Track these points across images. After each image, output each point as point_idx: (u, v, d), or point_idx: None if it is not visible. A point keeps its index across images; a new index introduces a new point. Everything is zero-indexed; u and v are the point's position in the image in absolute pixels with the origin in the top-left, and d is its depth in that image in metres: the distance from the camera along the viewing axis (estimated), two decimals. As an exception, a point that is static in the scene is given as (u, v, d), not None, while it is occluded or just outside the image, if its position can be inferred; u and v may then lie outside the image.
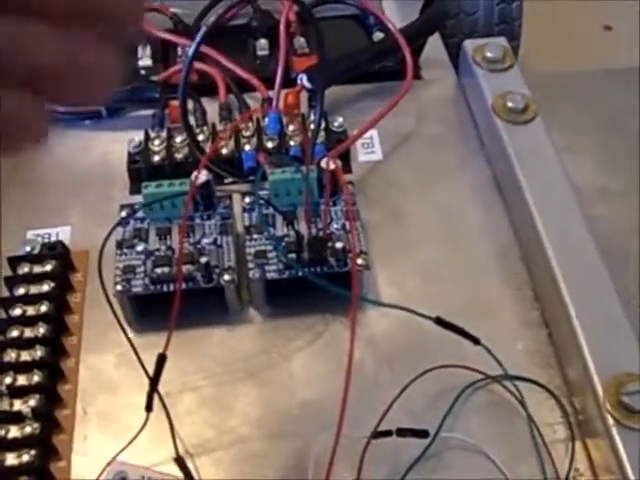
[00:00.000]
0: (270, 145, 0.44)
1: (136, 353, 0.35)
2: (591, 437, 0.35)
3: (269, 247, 0.39)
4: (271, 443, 0.36)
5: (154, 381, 0.34)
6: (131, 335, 0.38)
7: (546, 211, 0.41)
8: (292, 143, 0.45)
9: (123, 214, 0.41)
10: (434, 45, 0.55)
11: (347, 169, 0.45)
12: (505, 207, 0.45)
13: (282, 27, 0.50)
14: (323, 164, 0.40)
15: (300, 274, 0.38)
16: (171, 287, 0.38)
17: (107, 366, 0.39)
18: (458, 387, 0.37)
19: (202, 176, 0.39)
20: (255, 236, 0.40)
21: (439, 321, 0.35)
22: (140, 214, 0.41)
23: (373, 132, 0.48)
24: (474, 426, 0.36)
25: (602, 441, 0.34)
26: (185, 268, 0.38)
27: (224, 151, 0.44)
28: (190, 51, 0.41)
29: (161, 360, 0.33)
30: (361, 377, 0.37)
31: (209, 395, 0.38)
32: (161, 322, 0.35)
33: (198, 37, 0.40)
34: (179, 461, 0.33)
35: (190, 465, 0.34)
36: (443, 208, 0.45)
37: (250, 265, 0.39)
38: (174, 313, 0.34)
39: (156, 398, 0.35)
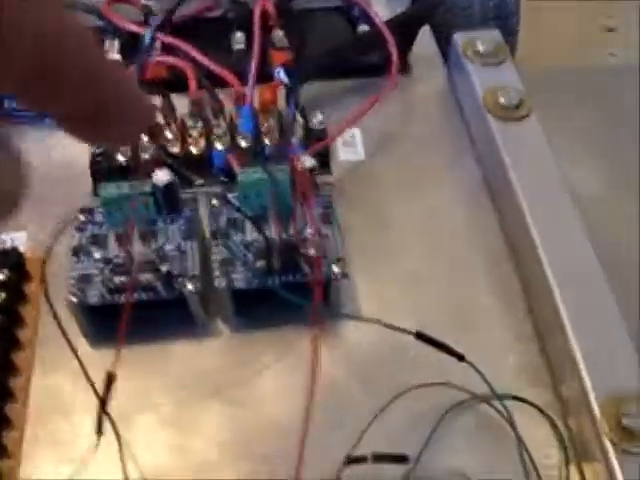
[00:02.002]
0: (244, 144, 0.41)
1: (84, 371, 0.32)
2: (587, 461, 0.32)
3: (236, 254, 0.36)
4: (238, 468, 0.33)
5: (103, 402, 0.31)
6: (89, 349, 0.36)
7: (541, 216, 0.38)
8: (267, 142, 0.41)
9: (82, 218, 0.38)
10: (426, 41, 0.52)
11: (326, 169, 0.42)
12: (496, 211, 0.42)
13: (256, 18, 0.47)
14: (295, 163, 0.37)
15: (270, 284, 0.35)
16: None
17: (61, 385, 0.36)
18: (441, 407, 0.34)
19: (163, 176, 0.36)
20: (222, 242, 0.37)
21: (420, 336, 0.32)
22: (99, 218, 0.38)
23: (355, 130, 0.45)
24: (459, 450, 0.33)
25: (599, 466, 0.31)
26: (144, 277, 0.35)
27: (194, 150, 0.41)
28: (146, 39, 0.37)
29: (109, 379, 0.30)
30: (334, 396, 0.34)
31: (171, 415, 0.35)
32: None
33: (153, 24, 0.37)
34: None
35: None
36: (429, 212, 0.42)
37: (216, 273, 0.36)
38: (123, 325, 0.31)
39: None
